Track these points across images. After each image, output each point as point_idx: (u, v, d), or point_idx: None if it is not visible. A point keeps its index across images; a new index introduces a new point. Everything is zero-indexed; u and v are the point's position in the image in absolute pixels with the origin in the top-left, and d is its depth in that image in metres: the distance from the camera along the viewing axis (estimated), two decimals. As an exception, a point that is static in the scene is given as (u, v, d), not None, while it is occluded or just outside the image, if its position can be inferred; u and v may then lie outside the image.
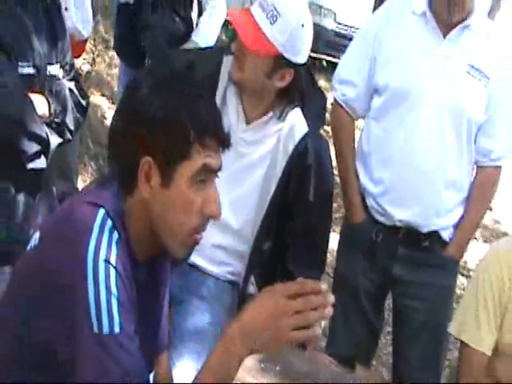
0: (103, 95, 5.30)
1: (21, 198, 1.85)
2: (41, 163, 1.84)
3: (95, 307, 1.08)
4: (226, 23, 3.63)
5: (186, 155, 1.16)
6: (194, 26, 3.66)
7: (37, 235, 1.21)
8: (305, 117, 1.93)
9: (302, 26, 1.85)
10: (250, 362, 1.63)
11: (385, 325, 2.65)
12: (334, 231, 2.44)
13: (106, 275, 1.09)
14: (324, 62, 8.31)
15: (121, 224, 1.16)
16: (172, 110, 1.16)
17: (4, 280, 1.37)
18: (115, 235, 1.13)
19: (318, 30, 8.52)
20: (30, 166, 1.82)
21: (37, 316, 1.15)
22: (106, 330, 1.08)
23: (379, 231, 2.23)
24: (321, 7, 9.21)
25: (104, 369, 1.08)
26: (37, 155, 1.83)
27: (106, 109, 5.08)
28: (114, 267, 1.10)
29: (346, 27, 8.77)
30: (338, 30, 8.95)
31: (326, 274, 2.53)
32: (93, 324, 1.08)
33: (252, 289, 2.00)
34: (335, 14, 9.19)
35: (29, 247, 1.22)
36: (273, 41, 1.84)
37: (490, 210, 6.32)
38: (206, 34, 3.51)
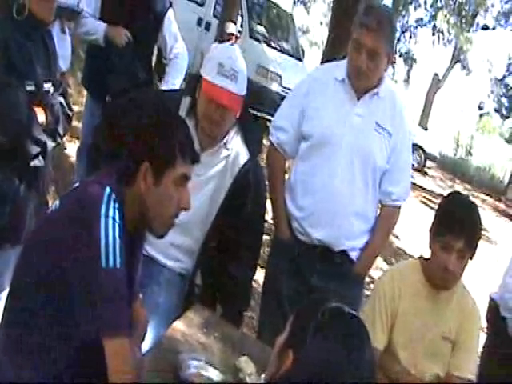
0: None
1: (22, 187, 2.21)
2: (39, 162, 2.22)
3: (105, 248, 1.50)
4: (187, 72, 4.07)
5: (172, 165, 1.66)
6: (154, 73, 4.06)
7: (56, 202, 1.61)
8: (246, 145, 2.38)
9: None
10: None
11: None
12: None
13: (113, 228, 1.53)
14: (268, 122, 8.34)
15: (120, 202, 1.61)
16: (166, 135, 1.66)
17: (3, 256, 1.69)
18: (117, 205, 1.59)
19: (265, 92, 8.98)
20: (32, 163, 2.19)
21: (57, 254, 1.51)
22: (111, 264, 1.50)
23: (301, 248, 2.60)
24: (268, 70, 9.56)
25: (107, 291, 1.50)
26: (37, 156, 2.20)
27: (65, 140, 5.23)
28: (118, 224, 1.55)
29: (289, 91, 8.92)
30: (282, 94, 9.11)
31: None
32: (102, 260, 1.50)
33: (198, 280, 2.42)
34: (281, 77, 9.57)
35: (49, 210, 1.61)
36: (240, 93, 2.24)
37: (397, 237, 6.99)
38: (172, 84, 3.89)
